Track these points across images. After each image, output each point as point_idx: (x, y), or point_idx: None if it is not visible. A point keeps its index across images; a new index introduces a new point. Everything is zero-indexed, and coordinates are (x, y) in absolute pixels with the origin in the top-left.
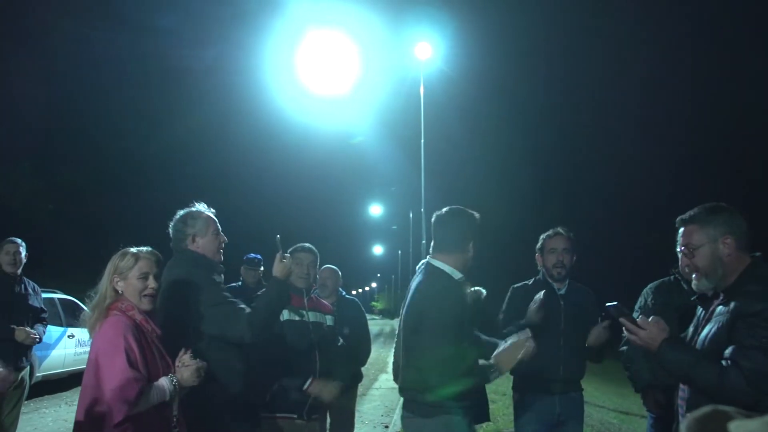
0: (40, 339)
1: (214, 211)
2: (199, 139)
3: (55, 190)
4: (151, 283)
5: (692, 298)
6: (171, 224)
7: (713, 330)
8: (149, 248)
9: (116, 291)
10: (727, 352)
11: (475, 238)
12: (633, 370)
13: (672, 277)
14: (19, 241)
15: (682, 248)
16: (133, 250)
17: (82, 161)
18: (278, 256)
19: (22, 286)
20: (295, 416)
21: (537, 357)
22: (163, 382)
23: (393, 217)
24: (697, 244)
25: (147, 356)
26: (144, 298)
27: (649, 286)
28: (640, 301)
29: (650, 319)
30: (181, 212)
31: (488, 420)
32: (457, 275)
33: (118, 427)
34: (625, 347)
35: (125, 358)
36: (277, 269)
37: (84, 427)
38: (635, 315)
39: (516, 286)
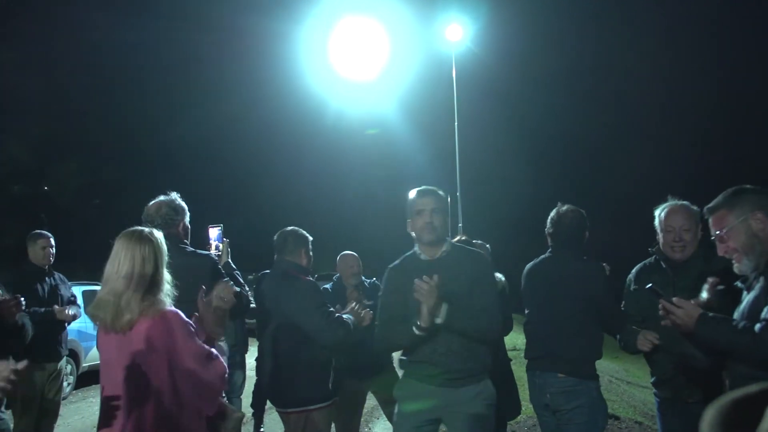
0: (75, 316)
1: None
2: (231, 127)
3: (99, 186)
4: None
5: (735, 283)
6: (161, 209)
7: (752, 297)
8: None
9: (163, 279)
10: (764, 313)
11: (409, 216)
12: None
13: (653, 258)
14: (48, 234)
15: (716, 235)
16: (156, 231)
17: (123, 157)
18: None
19: (54, 277)
20: (336, 399)
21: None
22: (218, 346)
23: None
24: (728, 226)
25: None
26: None
27: (634, 268)
28: (627, 284)
29: (693, 301)
30: (170, 199)
31: (519, 414)
32: (418, 253)
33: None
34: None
35: (203, 343)
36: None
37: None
38: (624, 300)
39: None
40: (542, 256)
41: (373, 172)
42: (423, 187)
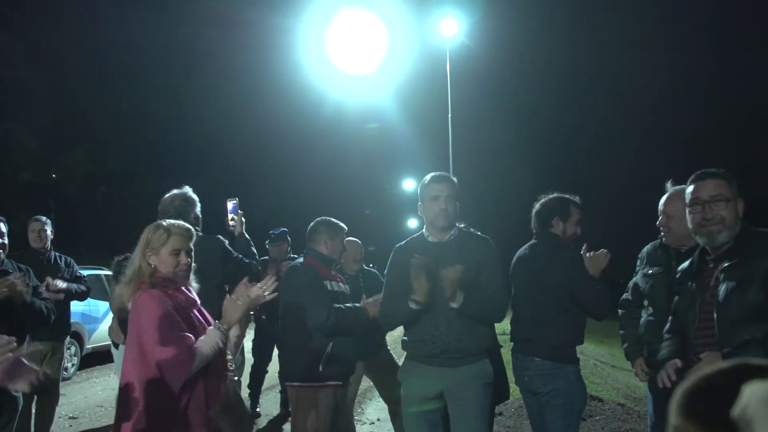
0: (69, 290)
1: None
2: (232, 119)
3: (106, 175)
4: (183, 259)
5: (679, 269)
6: (175, 201)
7: (742, 293)
8: (183, 223)
9: (150, 265)
10: None
11: (422, 200)
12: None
13: (663, 238)
14: (44, 219)
15: (710, 197)
16: (165, 224)
17: (129, 146)
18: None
19: (52, 259)
20: (341, 383)
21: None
22: (210, 332)
23: None
24: (728, 197)
25: (187, 325)
26: (178, 274)
27: (645, 248)
28: (637, 267)
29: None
30: (182, 192)
31: (507, 398)
32: (426, 235)
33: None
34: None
35: (170, 326)
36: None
37: (135, 404)
38: (634, 279)
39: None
40: (528, 243)
41: (370, 163)
42: (437, 173)
